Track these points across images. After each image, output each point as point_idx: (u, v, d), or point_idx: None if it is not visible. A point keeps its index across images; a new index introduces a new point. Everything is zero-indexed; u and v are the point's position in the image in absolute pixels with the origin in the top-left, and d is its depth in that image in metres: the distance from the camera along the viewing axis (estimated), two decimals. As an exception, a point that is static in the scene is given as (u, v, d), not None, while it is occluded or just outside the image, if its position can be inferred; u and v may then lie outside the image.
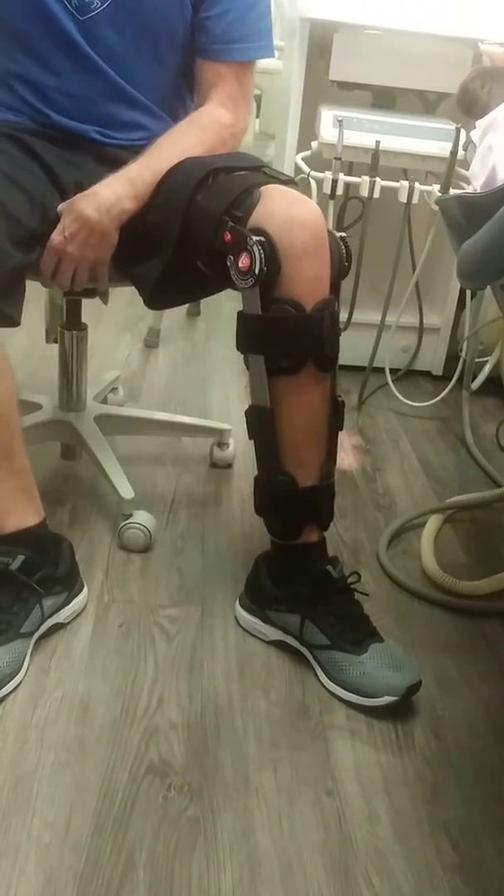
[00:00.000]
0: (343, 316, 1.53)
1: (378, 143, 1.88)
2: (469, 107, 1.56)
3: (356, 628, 1.25)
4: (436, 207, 1.76)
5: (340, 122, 1.86)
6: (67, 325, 1.61)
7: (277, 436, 1.22)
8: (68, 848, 0.98)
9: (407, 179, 1.95)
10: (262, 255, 1.12)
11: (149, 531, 1.49)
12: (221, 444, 1.80)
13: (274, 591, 1.30)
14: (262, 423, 1.23)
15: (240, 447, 1.79)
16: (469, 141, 1.52)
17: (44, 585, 1.25)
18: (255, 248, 1.13)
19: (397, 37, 1.95)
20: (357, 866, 0.99)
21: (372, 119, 1.93)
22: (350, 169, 1.99)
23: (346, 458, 1.89)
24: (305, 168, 1.96)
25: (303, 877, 0.97)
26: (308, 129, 2.07)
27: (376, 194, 1.92)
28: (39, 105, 1.38)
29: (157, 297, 1.36)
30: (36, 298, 1.39)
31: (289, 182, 1.25)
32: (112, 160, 1.35)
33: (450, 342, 2.31)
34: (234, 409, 2.03)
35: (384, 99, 2.13)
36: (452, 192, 1.81)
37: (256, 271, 1.13)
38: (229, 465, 1.80)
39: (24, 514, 1.25)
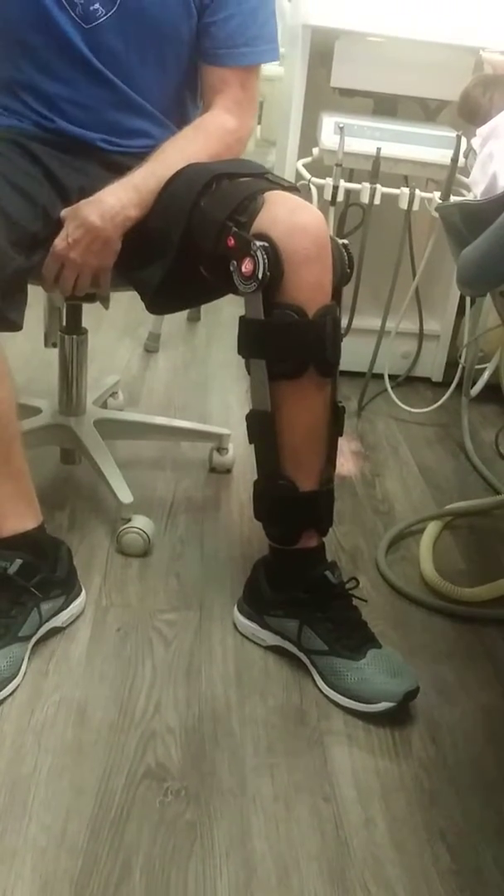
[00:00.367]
0: (343, 322, 1.53)
1: (379, 149, 1.88)
2: (470, 114, 1.56)
3: (354, 634, 1.25)
4: (436, 214, 1.77)
5: (341, 128, 1.87)
6: (67, 330, 1.61)
7: (278, 440, 1.22)
8: (65, 852, 0.98)
9: (407, 186, 1.96)
10: (266, 261, 1.13)
11: (147, 536, 1.49)
12: (221, 449, 1.80)
13: (272, 596, 1.30)
14: (262, 427, 1.23)
15: (239, 452, 1.79)
16: (470, 148, 1.52)
17: (42, 589, 1.25)
18: (258, 253, 1.13)
19: (399, 44, 1.95)
20: (353, 872, 0.99)
21: (373, 126, 1.94)
22: (351, 175, 1.99)
23: (346, 463, 1.89)
24: (306, 174, 1.96)
25: (299, 882, 0.97)
26: (309, 135, 2.08)
27: (377, 201, 1.92)
28: (45, 112, 1.38)
29: (158, 302, 1.36)
30: (36, 302, 1.40)
31: (292, 188, 1.26)
32: (117, 166, 1.36)
33: (449, 349, 2.32)
34: (233, 415, 2.03)
35: (385, 106, 2.13)
36: (453, 199, 1.82)
37: (260, 276, 1.14)
38: (228, 471, 1.80)
39: (22, 518, 1.25)
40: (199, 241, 1.24)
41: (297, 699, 1.23)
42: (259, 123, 3.21)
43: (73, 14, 1.31)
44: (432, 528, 1.66)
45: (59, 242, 1.27)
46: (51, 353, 1.66)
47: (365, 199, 1.92)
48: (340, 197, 1.92)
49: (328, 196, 1.91)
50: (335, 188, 1.90)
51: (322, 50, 2.03)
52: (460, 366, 2.10)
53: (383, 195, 1.92)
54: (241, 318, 1.22)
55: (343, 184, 1.91)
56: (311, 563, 1.29)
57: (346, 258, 1.24)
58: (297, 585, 1.28)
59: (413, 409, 2.13)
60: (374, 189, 1.90)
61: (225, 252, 1.19)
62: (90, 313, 1.60)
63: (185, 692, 1.22)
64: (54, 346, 1.63)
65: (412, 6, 1.90)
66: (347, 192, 1.95)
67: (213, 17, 1.36)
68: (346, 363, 1.27)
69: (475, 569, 1.59)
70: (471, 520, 1.74)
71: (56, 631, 1.29)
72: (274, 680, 1.26)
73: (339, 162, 1.89)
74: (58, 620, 1.29)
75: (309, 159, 2.03)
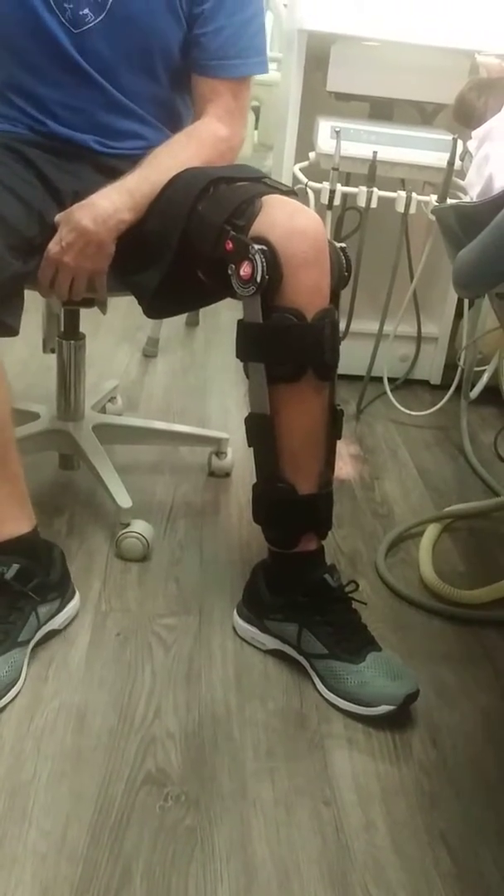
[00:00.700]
0: (341, 325, 1.53)
1: (375, 153, 1.88)
2: (466, 117, 1.57)
3: (354, 637, 1.25)
4: (433, 217, 1.77)
5: (338, 132, 1.87)
6: (65, 335, 1.61)
7: (277, 444, 1.22)
8: (65, 858, 0.97)
9: (404, 189, 1.96)
10: (264, 264, 1.13)
11: (146, 540, 1.49)
12: (219, 454, 1.80)
13: (271, 600, 1.30)
14: (261, 430, 1.23)
15: (238, 456, 1.79)
16: (466, 151, 1.53)
17: (39, 593, 1.25)
18: (256, 256, 1.13)
19: (394, 48, 1.96)
20: (354, 876, 0.99)
21: (369, 130, 1.94)
22: (347, 179, 2.00)
23: (345, 466, 1.89)
24: (303, 178, 1.96)
25: (300, 887, 0.97)
26: (306, 139, 2.08)
27: (374, 204, 1.92)
28: (37, 115, 1.39)
29: (155, 307, 1.37)
30: (34, 308, 1.40)
31: (289, 193, 1.26)
32: (110, 170, 1.36)
33: (448, 351, 2.32)
34: (232, 419, 2.03)
35: (381, 110, 2.14)
36: (449, 201, 1.82)
37: (258, 280, 1.14)
38: (227, 474, 1.80)
39: (18, 522, 1.25)
40: (197, 245, 1.24)
41: (297, 703, 1.23)
42: (256, 128, 3.22)
43: (62, 18, 1.32)
44: (431, 531, 1.65)
45: (53, 247, 1.27)
46: (49, 359, 1.66)
47: (362, 202, 1.92)
48: (337, 201, 1.92)
49: (325, 200, 1.91)
50: (332, 192, 1.90)
51: (318, 54, 2.03)
52: (459, 368, 2.10)
53: (380, 198, 1.92)
54: (240, 322, 1.22)
55: (340, 187, 1.92)
56: (311, 567, 1.29)
57: (344, 261, 1.24)
58: (296, 589, 1.27)
59: (412, 412, 2.13)
60: (371, 192, 1.91)
61: (223, 256, 1.19)
62: (88, 318, 1.60)
63: (184, 697, 1.22)
64: (53, 351, 1.64)
65: (407, 10, 1.90)
66: (344, 195, 1.95)
67: (204, 28, 1.36)
68: (344, 366, 1.27)
69: (475, 571, 1.59)
70: (470, 522, 1.74)
71: (55, 636, 1.29)
72: (274, 684, 1.26)
73: (336, 166, 1.89)
74: (54, 623, 1.29)
75: (306, 163, 2.04)
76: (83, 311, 1.58)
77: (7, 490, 1.24)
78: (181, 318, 2.61)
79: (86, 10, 1.31)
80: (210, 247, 1.21)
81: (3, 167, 1.29)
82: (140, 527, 1.50)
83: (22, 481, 1.26)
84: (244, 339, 1.22)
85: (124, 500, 1.52)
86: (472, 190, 1.34)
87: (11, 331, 1.21)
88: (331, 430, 1.26)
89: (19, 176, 1.30)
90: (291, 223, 1.16)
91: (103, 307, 1.46)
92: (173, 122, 1.46)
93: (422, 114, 2.18)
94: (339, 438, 1.29)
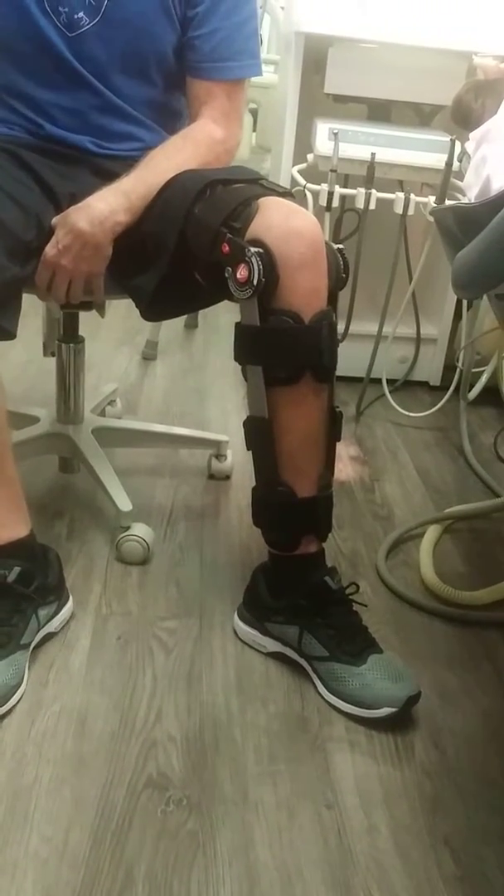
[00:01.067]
0: (340, 327, 1.53)
1: (373, 155, 1.89)
2: (463, 119, 1.57)
3: (355, 639, 1.25)
4: (431, 218, 1.77)
5: (336, 134, 1.87)
6: (65, 338, 1.61)
7: (276, 446, 1.22)
8: (66, 863, 0.97)
9: (402, 191, 1.96)
10: (261, 267, 1.13)
11: (147, 543, 1.49)
12: (219, 456, 1.80)
13: (272, 602, 1.30)
14: (260, 433, 1.23)
15: (237, 459, 1.79)
16: (464, 152, 1.53)
17: (38, 595, 1.25)
18: (253, 259, 1.13)
19: (392, 50, 1.96)
20: (357, 879, 0.98)
21: (367, 131, 1.94)
22: (346, 181, 2.00)
23: (345, 468, 1.89)
24: (301, 180, 1.96)
25: (302, 891, 0.97)
26: (304, 141, 2.08)
27: (372, 206, 1.92)
28: (34, 117, 1.39)
29: (153, 309, 1.36)
30: (34, 312, 1.40)
31: (286, 194, 1.26)
32: (106, 172, 1.36)
33: (447, 352, 2.32)
34: (231, 421, 2.03)
35: (379, 111, 2.14)
36: (447, 203, 1.82)
37: (255, 282, 1.14)
38: (227, 477, 1.80)
39: (16, 526, 1.25)
40: (194, 248, 1.24)
41: (298, 706, 1.23)
42: (254, 130, 3.22)
43: (57, 22, 1.32)
44: (432, 532, 1.65)
45: (50, 249, 1.27)
46: (48, 363, 1.66)
47: (360, 204, 1.92)
48: (336, 202, 1.92)
49: (323, 202, 1.91)
50: (330, 194, 1.90)
51: (316, 56, 2.04)
52: (458, 369, 2.10)
53: (378, 200, 1.92)
54: (237, 325, 1.22)
55: (338, 189, 1.92)
56: (311, 569, 1.28)
57: (342, 263, 1.24)
58: (296, 591, 1.27)
59: (411, 413, 2.13)
60: (370, 194, 1.91)
61: (220, 258, 1.19)
62: (87, 321, 1.60)
63: (185, 700, 1.22)
64: (53, 355, 1.64)
65: (405, 12, 1.90)
66: (343, 197, 1.95)
67: (198, 30, 1.37)
68: (343, 368, 1.27)
69: (475, 572, 1.59)
70: (471, 523, 1.74)
71: (55, 639, 1.29)
72: (275, 686, 1.26)
73: (334, 167, 1.89)
74: (52, 626, 1.29)
75: (304, 165, 2.04)
76: (82, 314, 1.58)
77: (4, 494, 1.24)
78: (180, 321, 2.61)
79: (80, 14, 1.32)
80: (207, 250, 1.21)
81: (1, 171, 1.28)
82: (140, 530, 1.50)
83: (18, 485, 1.26)
84: (242, 342, 1.22)
85: (124, 503, 1.52)
86: (471, 191, 1.34)
87: (8, 335, 1.21)
88: (330, 432, 1.26)
89: (16, 179, 1.30)
90: (288, 225, 1.16)
91: (101, 310, 1.46)
92: (170, 123, 1.47)
93: (419, 115, 2.18)
94: (339, 440, 1.28)
